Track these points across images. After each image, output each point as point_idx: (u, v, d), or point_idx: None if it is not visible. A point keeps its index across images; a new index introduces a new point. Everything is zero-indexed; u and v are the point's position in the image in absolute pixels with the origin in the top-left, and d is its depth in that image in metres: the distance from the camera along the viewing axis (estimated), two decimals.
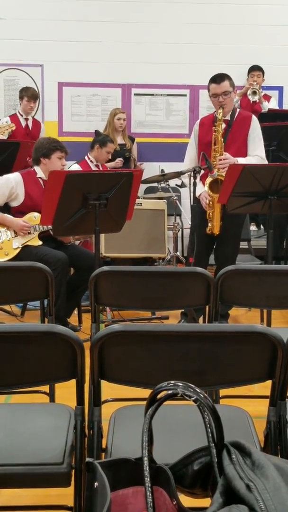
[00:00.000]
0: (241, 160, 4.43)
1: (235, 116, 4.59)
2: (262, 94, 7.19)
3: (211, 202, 4.48)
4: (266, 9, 7.42)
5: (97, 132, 6.18)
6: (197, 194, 4.48)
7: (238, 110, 4.74)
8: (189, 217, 4.87)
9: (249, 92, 7.06)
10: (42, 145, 4.62)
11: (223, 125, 4.52)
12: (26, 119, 6.99)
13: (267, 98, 7.24)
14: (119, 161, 6.66)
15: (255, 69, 7.26)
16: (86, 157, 5.88)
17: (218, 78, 4.49)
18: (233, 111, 4.61)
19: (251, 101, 7.07)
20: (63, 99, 7.49)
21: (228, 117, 4.56)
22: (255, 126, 4.59)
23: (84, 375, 1.83)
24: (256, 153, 4.53)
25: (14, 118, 6.93)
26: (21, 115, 6.97)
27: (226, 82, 4.48)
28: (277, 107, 7.32)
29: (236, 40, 7.41)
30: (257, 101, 7.04)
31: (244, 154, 4.53)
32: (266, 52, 7.39)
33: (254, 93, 7.04)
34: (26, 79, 7.37)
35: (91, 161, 5.84)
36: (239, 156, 4.48)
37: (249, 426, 2.00)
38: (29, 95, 6.88)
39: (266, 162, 4.63)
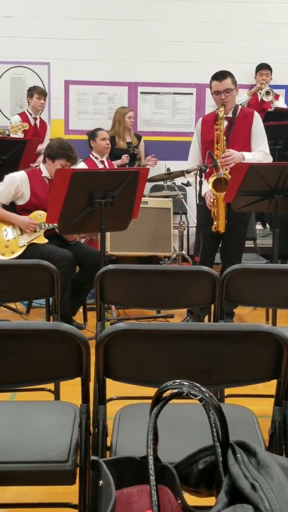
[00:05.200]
0: (246, 155, 4.42)
1: (237, 114, 4.58)
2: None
3: (215, 201, 4.48)
4: (274, 8, 7.40)
5: (88, 133, 6.22)
6: (202, 193, 4.48)
7: (240, 107, 4.73)
8: (195, 215, 4.87)
9: (262, 92, 7.03)
10: (52, 146, 4.60)
11: (225, 123, 4.52)
12: (35, 118, 7.00)
13: (276, 96, 7.22)
14: (125, 157, 6.67)
15: (263, 68, 7.23)
16: (90, 155, 5.93)
17: (220, 76, 4.49)
18: (235, 108, 4.60)
19: (264, 101, 7.03)
20: (70, 97, 7.49)
21: (230, 115, 4.56)
22: (258, 123, 4.58)
23: (89, 373, 1.83)
24: (260, 149, 4.53)
25: (23, 116, 6.93)
26: (30, 114, 6.97)
27: (228, 80, 4.47)
28: (285, 106, 7.30)
29: (243, 39, 7.39)
30: (271, 101, 7.02)
31: (248, 150, 4.52)
32: (272, 51, 7.36)
33: (267, 93, 7.01)
34: (33, 77, 7.38)
35: (95, 157, 5.89)
36: None
37: (254, 426, 1.99)
38: (39, 92, 6.93)
39: (270, 157, 4.62)
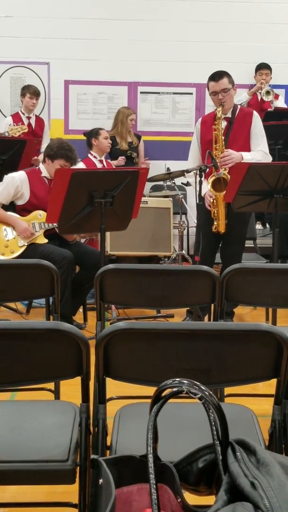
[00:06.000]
0: (245, 155, 4.43)
1: (236, 113, 4.59)
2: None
3: (215, 201, 4.48)
4: (273, 7, 7.40)
5: (85, 134, 6.21)
6: (202, 193, 4.48)
7: (239, 107, 4.73)
8: (195, 215, 4.87)
9: (263, 92, 7.03)
10: (52, 146, 4.60)
11: (224, 123, 4.52)
12: (29, 118, 6.99)
13: (276, 96, 7.22)
14: (121, 159, 6.66)
15: (263, 67, 7.23)
16: (89, 154, 5.92)
17: (217, 76, 4.49)
18: (234, 108, 4.61)
19: (264, 101, 7.03)
20: (69, 97, 7.50)
21: (229, 115, 4.56)
22: (257, 122, 4.58)
23: (89, 372, 1.83)
24: (259, 148, 4.53)
25: (16, 116, 6.92)
26: (23, 114, 6.97)
27: (225, 80, 4.47)
28: (284, 106, 7.31)
29: (243, 38, 7.40)
30: (271, 100, 7.02)
31: (248, 150, 4.53)
32: (273, 50, 7.37)
33: (268, 93, 7.01)
34: (33, 77, 7.38)
35: (94, 156, 5.89)
36: None
37: (254, 425, 1.99)
38: (31, 91, 6.90)
39: (269, 157, 4.62)
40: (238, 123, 4.56)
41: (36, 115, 7.09)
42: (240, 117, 4.58)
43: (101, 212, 3.80)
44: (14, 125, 6.20)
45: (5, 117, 7.25)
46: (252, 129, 4.55)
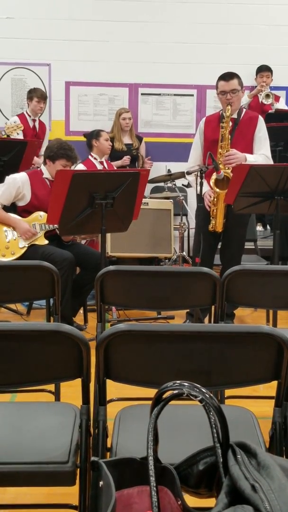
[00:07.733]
0: (248, 157, 4.43)
1: (242, 116, 4.60)
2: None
3: (215, 199, 4.48)
4: (275, 9, 7.40)
5: (85, 135, 6.22)
6: (202, 193, 4.47)
7: (244, 110, 4.74)
8: (195, 216, 4.87)
9: (262, 95, 7.03)
10: (52, 147, 4.60)
11: (230, 124, 4.53)
12: (34, 120, 7.00)
13: (277, 98, 7.22)
14: (126, 159, 6.66)
15: (264, 70, 7.23)
16: (89, 156, 5.92)
17: (227, 76, 4.51)
18: (240, 110, 4.62)
19: (264, 103, 7.03)
20: (70, 98, 7.50)
21: (235, 116, 4.57)
22: (261, 126, 4.60)
23: (89, 374, 1.83)
24: (262, 152, 4.54)
25: (21, 117, 6.94)
26: (29, 116, 6.98)
27: (235, 80, 4.49)
28: (285, 107, 7.30)
29: (244, 40, 7.40)
30: (271, 103, 7.01)
31: (250, 153, 4.53)
32: (274, 52, 7.37)
33: (267, 96, 7.01)
34: (34, 78, 7.39)
35: (94, 158, 5.89)
36: None
37: (254, 427, 1.99)
38: (39, 95, 6.90)
39: (271, 161, 4.63)
40: (243, 125, 4.57)
41: (39, 119, 7.10)
42: (246, 120, 4.59)
43: (102, 214, 3.79)
44: (10, 123, 6.20)
45: (6, 118, 7.25)
46: (256, 133, 4.57)
